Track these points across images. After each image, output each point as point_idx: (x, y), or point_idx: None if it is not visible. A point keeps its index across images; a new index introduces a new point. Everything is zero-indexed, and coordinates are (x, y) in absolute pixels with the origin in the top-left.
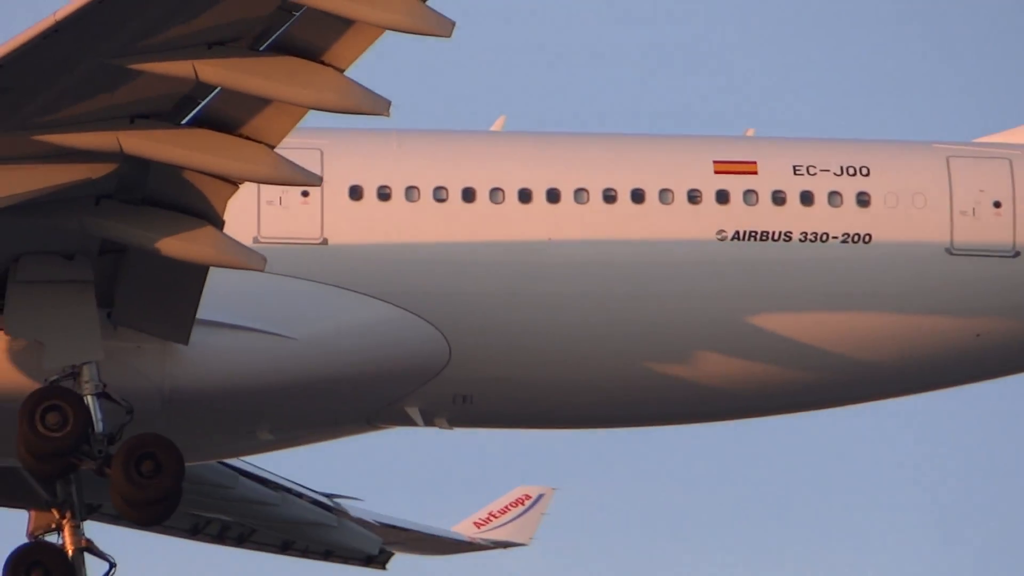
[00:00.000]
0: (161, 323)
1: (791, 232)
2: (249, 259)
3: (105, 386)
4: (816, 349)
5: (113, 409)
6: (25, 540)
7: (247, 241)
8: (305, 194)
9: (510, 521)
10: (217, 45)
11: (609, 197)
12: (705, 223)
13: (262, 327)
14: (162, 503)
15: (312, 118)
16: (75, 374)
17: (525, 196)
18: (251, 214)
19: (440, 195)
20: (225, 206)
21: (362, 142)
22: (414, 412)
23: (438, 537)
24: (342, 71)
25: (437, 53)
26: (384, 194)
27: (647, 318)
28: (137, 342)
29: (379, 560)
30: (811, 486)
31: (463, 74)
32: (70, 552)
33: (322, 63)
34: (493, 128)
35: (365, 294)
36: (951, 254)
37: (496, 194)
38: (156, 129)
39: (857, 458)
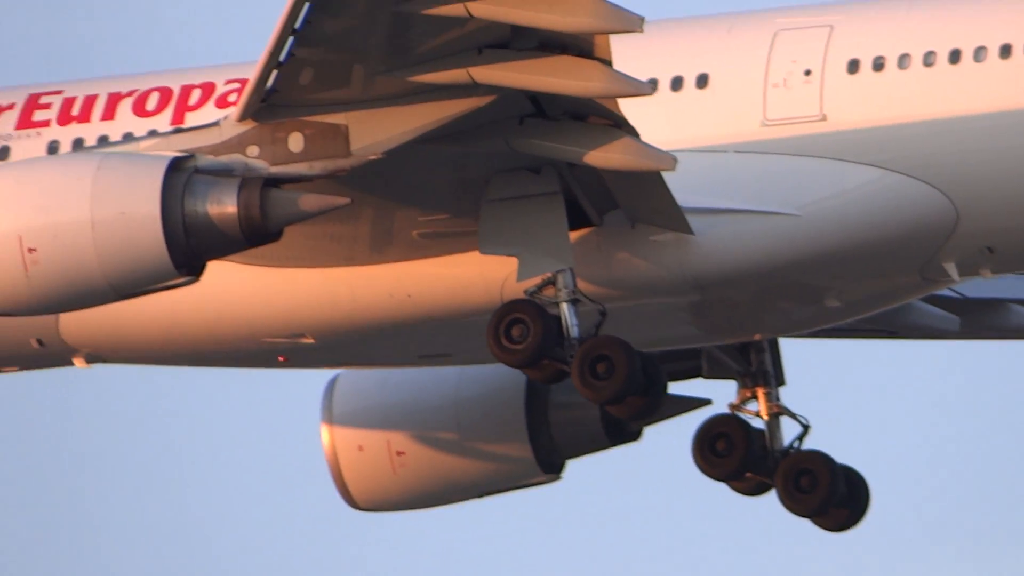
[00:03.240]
0: (657, 215)
1: None
2: (660, 162)
3: (576, 290)
4: None
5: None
6: (721, 411)
7: (755, 124)
8: (807, 73)
9: None
10: None
11: None
12: None
13: (767, 208)
14: (623, 403)
15: None
16: (551, 283)
17: (1006, 52)
18: (757, 97)
19: (929, 60)
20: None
21: (873, 14)
22: (950, 267)
23: None
24: None
25: None
26: (879, 64)
27: None
28: (651, 236)
29: None
30: None
31: None
32: (765, 418)
33: None
34: None
35: (866, 164)
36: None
37: (980, 53)
38: (499, 58)
39: None
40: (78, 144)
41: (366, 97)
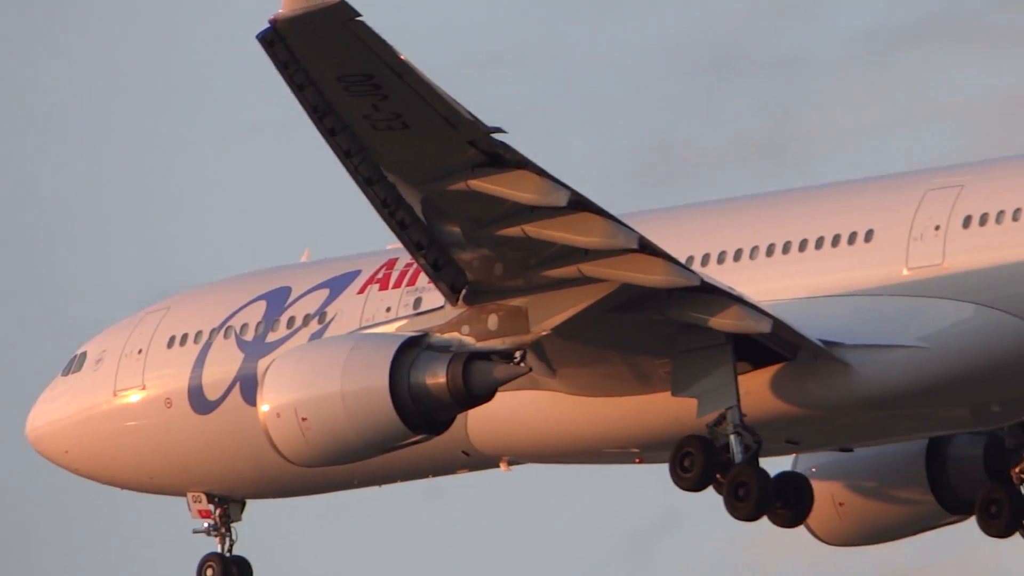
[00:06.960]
0: (818, 352)
1: None
2: (758, 324)
3: (740, 424)
4: None
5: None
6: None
7: (898, 270)
8: (937, 228)
9: None
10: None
11: None
12: None
13: (906, 342)
14: (774, 514)
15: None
16: (722, 418)
17: None
18: (903, 249)
19: (1017, 216)
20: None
21: (1000, 175)
22: None
23: None
24: None
25: None
26: (983, 220)
27: None
28: (824, 367)
29: None
30: None
31: None
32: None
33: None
34: None
35: (970, 302)
36: None
37: None
38: (601, 256)
39: None
40: None
41: (530, 286)
